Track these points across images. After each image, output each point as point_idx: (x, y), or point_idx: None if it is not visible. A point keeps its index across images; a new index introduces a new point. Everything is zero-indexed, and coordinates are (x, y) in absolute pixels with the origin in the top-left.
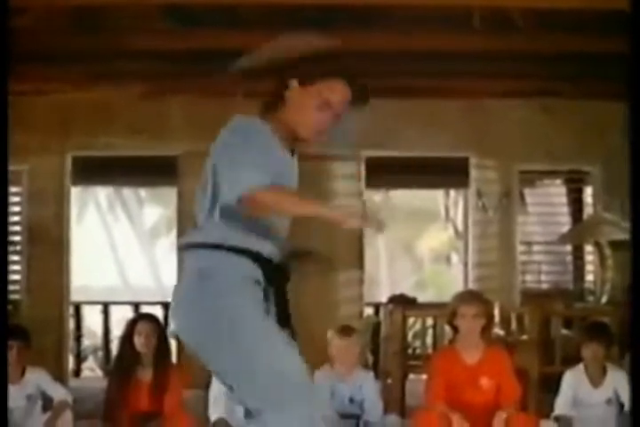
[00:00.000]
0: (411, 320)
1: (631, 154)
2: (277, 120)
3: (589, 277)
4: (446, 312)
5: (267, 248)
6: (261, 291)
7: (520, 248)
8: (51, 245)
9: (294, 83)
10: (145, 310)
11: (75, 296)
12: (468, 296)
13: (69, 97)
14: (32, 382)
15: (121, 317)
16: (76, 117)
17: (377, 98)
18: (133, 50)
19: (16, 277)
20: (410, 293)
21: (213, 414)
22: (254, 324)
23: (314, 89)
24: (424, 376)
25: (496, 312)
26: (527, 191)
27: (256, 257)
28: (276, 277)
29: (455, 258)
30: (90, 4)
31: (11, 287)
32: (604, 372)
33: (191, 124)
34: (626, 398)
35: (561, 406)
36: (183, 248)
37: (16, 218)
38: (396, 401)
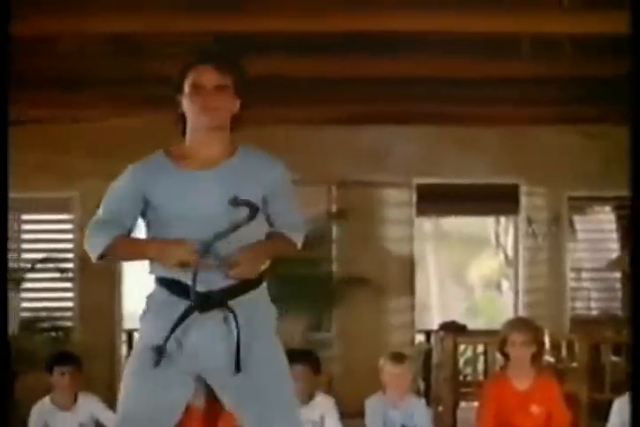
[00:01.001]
0: (462, 347)
1: (631, 154)
2: (187, 139)
3: None
4: (497, 339)
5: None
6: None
7: (570, 275)
8: (103, 272)
9: (178, 97)
10: None
11: (127, 323)
12: (518, 323)
13: (119, 122)
14: (85, 408)
15: None
16: (126, 143)
17: (428, 125)
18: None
19: (68, 304)
20: (460, 319)
21: None
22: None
23: (185, 86)
24: (475, 404)
25: (546, 339)
26: (576, 218)
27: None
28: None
29: (505, 285)
30: (132, 30)
31: (62, 314)
32: None
33: None
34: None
35: None
36: None
37: (67, 245)
38: None
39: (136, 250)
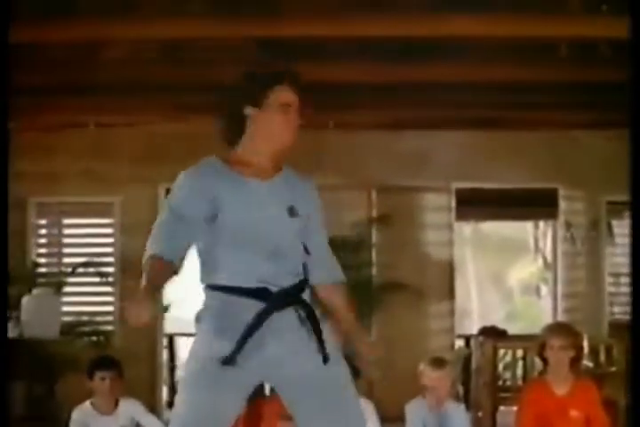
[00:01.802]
0: (501, 352)
1: (631, 156)
2: (242, 150)
3: None
4: (536, 344)
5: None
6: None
7: (608, 279)
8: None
9: (249, 109)
10: None
11: (168, 327)
12: (557, 328)
13: (159, 128)
14: (126, 413)
15: None
16: (168, 148)
17: (466, 129)
18: (222, 81)
19: (109, 308)
20: (500, 324)
21: None
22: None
23: (267, 103)
24: (514, 408)
25: (585, 344)
26: (615, 222)
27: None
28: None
29: (544, 289)
30: (178, 36)
31: (103, 318)
32: None
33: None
34: None
35: None
36: None
37: (108, 249)
38: None
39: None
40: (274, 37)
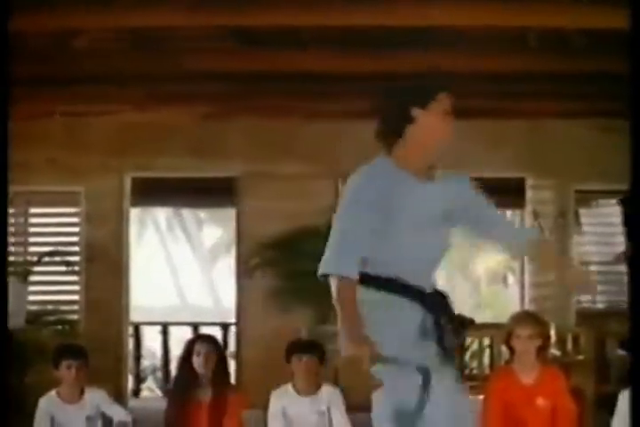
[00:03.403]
0: (468, 341)
1: (631, 155)
2: (404, 150)
3: None
4: (502, 333)
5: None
6: None
7: None
8: (110, 265)
9: (415, 111)
10: (204, 330)
11: (134, 316)
12: (524, 317)
13: (127, 118)
14: (91, 402)
15: (180, 337)
16: (135, 138)
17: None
18: (194, 71)
19: (74, 297)
20: (467, 313)
21: None
22: None
23: (433, 107)
24: (481, 397)
25: (552, 333)
26: (583, 211)
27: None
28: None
29: (511, 279)
30: (150, 24)
31: (69, 307)
32: None
33: (251, 144)
34: None
35: (617, 426)
36: None
37: (74, 238)
38: None
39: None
40: (247, 26)
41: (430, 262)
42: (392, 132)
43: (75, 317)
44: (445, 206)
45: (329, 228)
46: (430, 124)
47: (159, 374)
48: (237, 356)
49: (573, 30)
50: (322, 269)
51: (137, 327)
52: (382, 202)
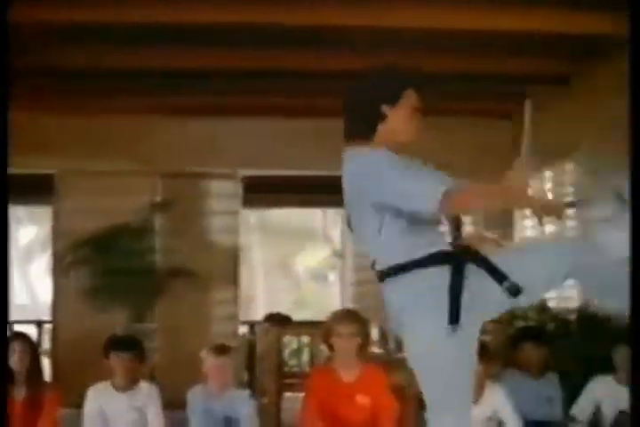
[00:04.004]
0: (287, 339)
1: (631, 155)
2: (380, 141)
3: None
4: (322, 331)
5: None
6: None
7: None
8: None
9: (385, 108)
10: (19, 328)
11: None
12: (343, 315)
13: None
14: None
15: None
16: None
17: (257, 117)
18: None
19: None
20: (287, 311)
21: None
22: None
23: (402, 103)
24: (301, 395)
25: (373, 331)
26: None
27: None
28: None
29: (332, 277)
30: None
31: None
32: (482, 389)
33: (68, 141)
34: (505, 415)
35: None
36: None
37: None
38: (272, 420)
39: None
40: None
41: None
42: (363, 130)
43: None
44: None
45: (143, 225)
46: (400, 121)
47: None
48: (52, 354)
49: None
50: (429, 207)
51: None
52: None
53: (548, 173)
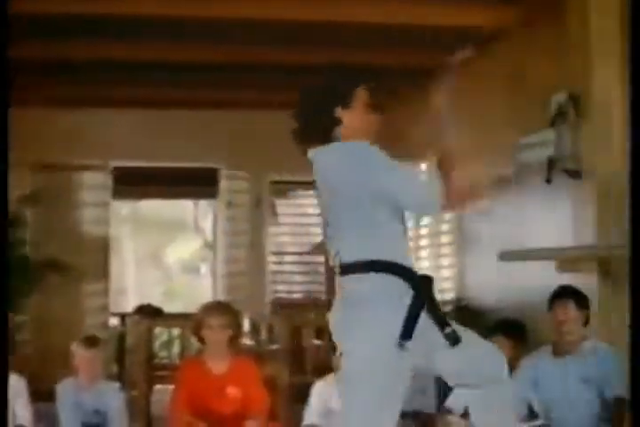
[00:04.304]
0: (157, 331)
1: (631, 155)
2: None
3: None
4: (193, 323)
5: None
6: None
7: (271, 258)
8: None
9: (339, 112)
10: None
11: None
12: (214, 307)
13: None
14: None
15: None
16: None
17: (125, 108)
18: None
19: None
20: (158, 303)
21: None
22: None
23: (354, 104)
24: (171, 387)
25: (245, 322)
26: (279, 202)
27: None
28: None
29: (204, 268)
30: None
31: None
32: None
33: None
34: None
35: (311, 415)
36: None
37: None
38: (141, 412)
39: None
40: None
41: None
42: (319, 135)
43: None
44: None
45: (13, 218)
46: (357, 122)
47: None
48: None
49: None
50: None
51: None
52: None
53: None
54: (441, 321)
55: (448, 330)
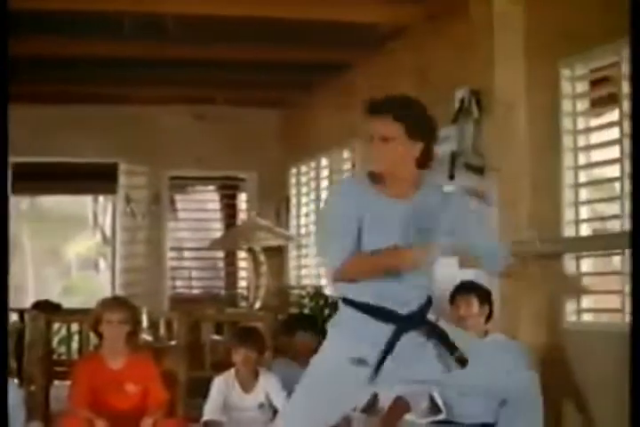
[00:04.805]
0: (56, 326)
1: (632, 154)
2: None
3: (243, 283)
4: (90, 318)
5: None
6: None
7: (170, 254)
8: None
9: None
10: None
11: None
12: (112, 302)
13: None
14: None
15: None
16: None
17: (25, 103)
18: None
19: None
20: (57, 299)
21: None
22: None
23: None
24: (69, 382)
25: (143, 318)
26: (178, 197)
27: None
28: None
29: (103, 264)
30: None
31: None
32: (255, 377)
33: None
34: (278, 402)
35: (210, 411)
36: None
37: None
38: (39, 407)
39: (374, 262)
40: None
41: None
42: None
43: None
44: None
45: None
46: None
47: None
48: None
49: (170, 17)
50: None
51: None
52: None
53: (324, 161)
54: (448, 347)
55: (457, 354)
